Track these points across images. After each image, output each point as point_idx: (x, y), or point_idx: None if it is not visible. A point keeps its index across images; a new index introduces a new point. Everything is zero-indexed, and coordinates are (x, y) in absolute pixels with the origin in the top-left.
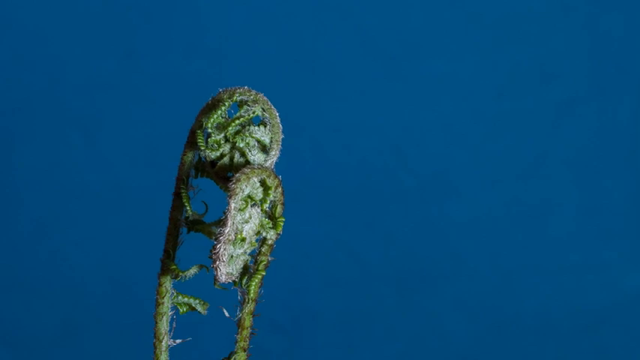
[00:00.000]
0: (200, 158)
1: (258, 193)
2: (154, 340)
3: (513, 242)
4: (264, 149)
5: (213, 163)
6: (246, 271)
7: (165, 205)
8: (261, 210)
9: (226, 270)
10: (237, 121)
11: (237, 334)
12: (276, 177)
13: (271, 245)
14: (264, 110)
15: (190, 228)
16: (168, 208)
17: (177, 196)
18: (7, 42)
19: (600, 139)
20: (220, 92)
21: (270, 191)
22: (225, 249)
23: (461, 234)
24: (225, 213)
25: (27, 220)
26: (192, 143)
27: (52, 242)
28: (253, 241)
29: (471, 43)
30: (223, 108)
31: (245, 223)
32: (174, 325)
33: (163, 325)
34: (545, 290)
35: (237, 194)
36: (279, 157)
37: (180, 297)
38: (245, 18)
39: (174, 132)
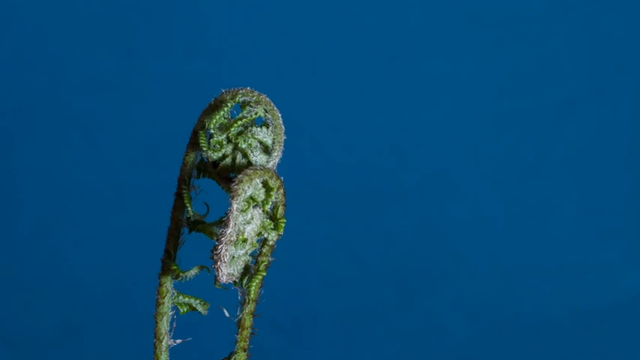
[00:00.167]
0: (202, 159)
1: (261, 195)
2: (154, 340)
3: (513, 242)
4: (267, 150)
5: (216, 163)
6: (247, 272)
7: (165, 205)
8: (263, 211)
9: (227, 271)
10: (239, 122)
11: (238, 334)
12: (278, 178)
13: (272, 246)
14: (266, 111)
15: (192, 228)
16: (169, 209)
17: (179, 196)
18: (7, 42)
19: (600, 139)
20: (223, 93)
21: (272, 192)
22: (226, 250)
23: (461, 234)
24: (227, 214)
25: (27, 220)
26: (194, 144)
27: (52, 242)
28: (254, 242)
29: (471, 43)
30: (226, 109)
31: (247, 224)
32: (174, 325)
33: (164, 325)
34: (545, 290)
35: (239, 195)
36: (280, 158)
37: (180, 297)
38: (245, 18)
39: (174, 132)
